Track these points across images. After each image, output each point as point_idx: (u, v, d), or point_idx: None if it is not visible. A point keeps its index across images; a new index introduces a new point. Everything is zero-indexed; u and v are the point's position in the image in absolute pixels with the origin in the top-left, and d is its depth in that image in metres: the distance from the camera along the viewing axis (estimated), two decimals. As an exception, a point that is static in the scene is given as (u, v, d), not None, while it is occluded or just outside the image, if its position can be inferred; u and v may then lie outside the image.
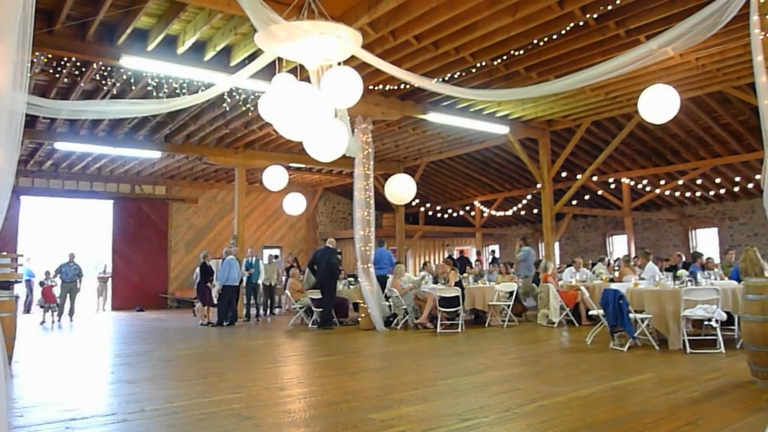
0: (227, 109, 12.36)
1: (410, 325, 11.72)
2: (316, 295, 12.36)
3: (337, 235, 18.11)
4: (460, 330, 10.83)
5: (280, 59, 7.58)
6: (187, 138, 15.08)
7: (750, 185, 16.88)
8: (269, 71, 9.65)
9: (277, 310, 16.50)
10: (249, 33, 8.96)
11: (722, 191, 17.91)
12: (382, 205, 14.86)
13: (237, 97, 11.61)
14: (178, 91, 10.79)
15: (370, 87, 11.17)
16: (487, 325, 11.64)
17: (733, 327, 8.07)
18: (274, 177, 12.49)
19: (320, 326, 12.07)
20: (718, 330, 7.55)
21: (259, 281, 14.84)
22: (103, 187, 19.14)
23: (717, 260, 12.43)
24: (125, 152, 15.34)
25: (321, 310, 12.29)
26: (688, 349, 7.51)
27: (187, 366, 7.96)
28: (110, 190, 19.32)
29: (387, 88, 11.28)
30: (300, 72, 7.09)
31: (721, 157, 16.01)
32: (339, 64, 6.91)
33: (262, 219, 21.97)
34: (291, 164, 16.72)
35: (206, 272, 13.54)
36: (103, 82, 10.64)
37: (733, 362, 6.69)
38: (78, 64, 10.08)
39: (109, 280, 19.38)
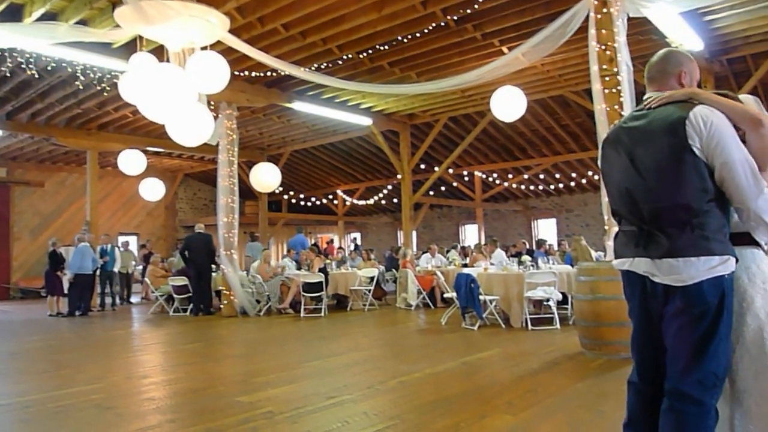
0: (80, 87, 11.65)
1: (273, 311, 11.82)
2: (179, 282, 12.12)
3: (197, 222, 17.69)
4: (323, 315, 11.10)
5: (140, 37, 7.38)
6: (32, 117, 13.99)
7: (584, 181, 18.60)
8: (126, 50, 9.29)
9: (133, 299, 15.92)
10: (106, 8, 8.51)
11: (561, 186, 19.65)
12: (245, 192, 14.74)
13: (92, 75, 11.02)
14: (23, 65, 10.09)
15: (236, 73, 11.02)
16: (349, 309, 12.01)
17: (567, 306, 9.02)
18: (131, 161, 12.05)
19: (203, 312, 11.92)
20: (554, 309, 8.42)
21: (115, 269, 14.25)
22: (-70, 167, 17.36)
23: (556, 247, 13.69)
24: (-41, 130, 13.98)
25: (191, 295, 12.15)
26: (530, 327, 8.29)
27: (37, 359, 7.57)
28: (-61, 170, 17.56)
29: (253, 74, 11.21)
30: (162, 53, 6.97)
31: (561, 155, 17.51)
32: (203, 48, 6.88)
33: (117, 205, 20.84)
34: (149, 148, 16.09)
35: (56, 260, 12.76)
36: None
37: (566, 337, 7.49)
38: None
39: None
